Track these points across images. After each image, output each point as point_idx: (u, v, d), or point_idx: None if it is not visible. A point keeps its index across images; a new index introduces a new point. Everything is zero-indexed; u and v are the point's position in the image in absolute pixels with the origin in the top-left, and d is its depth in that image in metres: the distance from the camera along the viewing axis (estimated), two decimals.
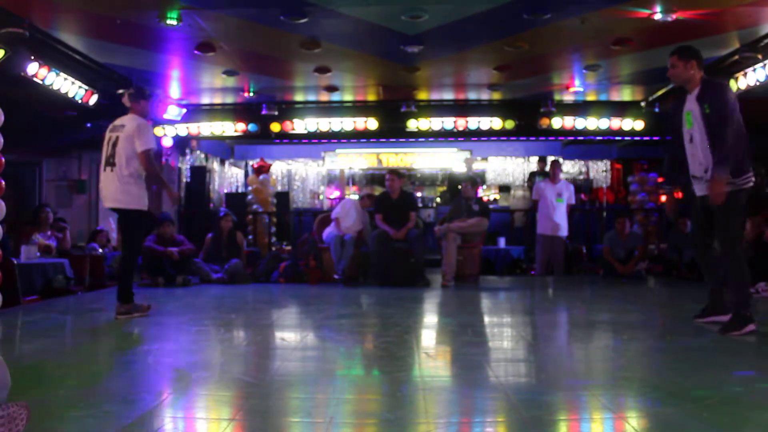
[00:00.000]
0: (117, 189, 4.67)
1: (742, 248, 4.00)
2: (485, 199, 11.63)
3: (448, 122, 9.31)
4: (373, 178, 13.00)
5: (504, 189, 12.54)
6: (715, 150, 3.82)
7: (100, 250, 7.96)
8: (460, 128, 9.31)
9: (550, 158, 9.65)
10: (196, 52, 6.76)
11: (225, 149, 12.07)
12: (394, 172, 7.95)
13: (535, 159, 11.70)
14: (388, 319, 4.77)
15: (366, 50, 7.04)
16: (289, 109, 9.36)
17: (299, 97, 9.23)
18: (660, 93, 8.66)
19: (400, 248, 7.45)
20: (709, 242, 4.03)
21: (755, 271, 6.26)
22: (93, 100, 7.47)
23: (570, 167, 12.66)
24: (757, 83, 6.78)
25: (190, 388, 2.72)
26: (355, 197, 9.49)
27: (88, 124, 8.79)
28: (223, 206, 10.27)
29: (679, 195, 4.44)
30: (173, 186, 9.93)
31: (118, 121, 4.86)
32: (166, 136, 9.44)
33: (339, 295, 6.46)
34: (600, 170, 12.91)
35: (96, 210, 10.66)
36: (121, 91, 7.73)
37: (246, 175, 12.62)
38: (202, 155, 11.23)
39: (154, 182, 4.83)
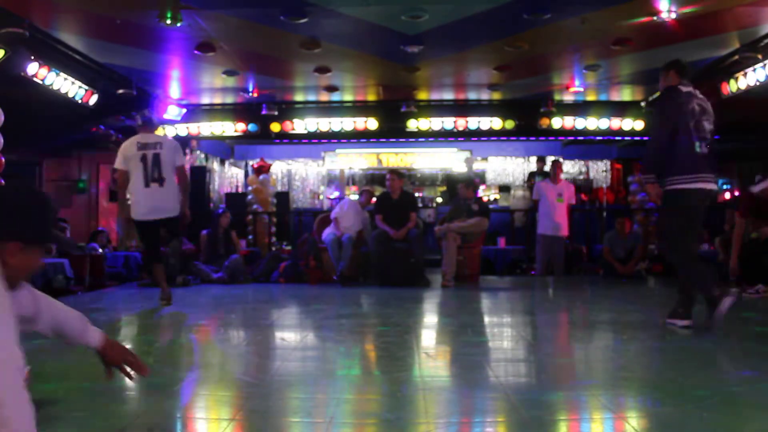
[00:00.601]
0: (172, 200, 5.31)
1: (685, 244, 4.10)
2: (485, 199, 11.63)
3: (448, 122, 9.32)
4: (373, 178, 12.98)
5: (504, 189, 12.53)
6: None
7: (100, 250, 7.96)
8: (460, 128, 9.31)
9: (551, 158, 9.64)
10: (196, 52, 6.76)
11: (225, 149, 12.06)
12: (395, 172, 7.95)
13: (534, 159, 11.70)
14: (388, 319, 4.77)
15: (366, 50, 7.04)
16: (289, 109, 9.37)
17: (299, 97, 9.23)
18: (660, 93, 8.65)
19: (400, 248, 7.45)
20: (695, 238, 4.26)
21: (756, 272, 6.27)
22: (93, 100, 7.47)
23: (570, 167, 12.66)
24: (757, 83, 6.79)
25: (190, 388, 2.72)
26: (355, 197, 9.50)
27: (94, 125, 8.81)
28: (222, 204, 10.25)
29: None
30: None
31: (146, 140, 5.35)
32: (166, 136, 9.44)
33: (339, 295, 6.46)
34: (600, 170, 12.91)
35: (96, 210, 10.66)
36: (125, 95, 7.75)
37: (246, 175, 12.61)
38: (202, 155, 11.22)
39: (184, 193, 5.46)
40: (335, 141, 11.13)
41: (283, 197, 11.52)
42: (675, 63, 4.38)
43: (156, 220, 5.34)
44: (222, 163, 12.16)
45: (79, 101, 7.27)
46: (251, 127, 9.43)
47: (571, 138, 10.78)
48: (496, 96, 9.11)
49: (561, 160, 9.40)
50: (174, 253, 6.84)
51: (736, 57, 6.77)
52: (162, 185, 5.25)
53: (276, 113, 9.24)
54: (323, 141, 11.07)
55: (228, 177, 12.44)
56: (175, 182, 5.34)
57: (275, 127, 9.38)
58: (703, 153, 4.02)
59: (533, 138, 10.53)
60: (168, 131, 9.41)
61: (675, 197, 4.02)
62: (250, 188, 11.36)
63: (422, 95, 9.13)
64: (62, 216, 8.69)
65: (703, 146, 4.04)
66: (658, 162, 4.06)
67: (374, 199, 8.23)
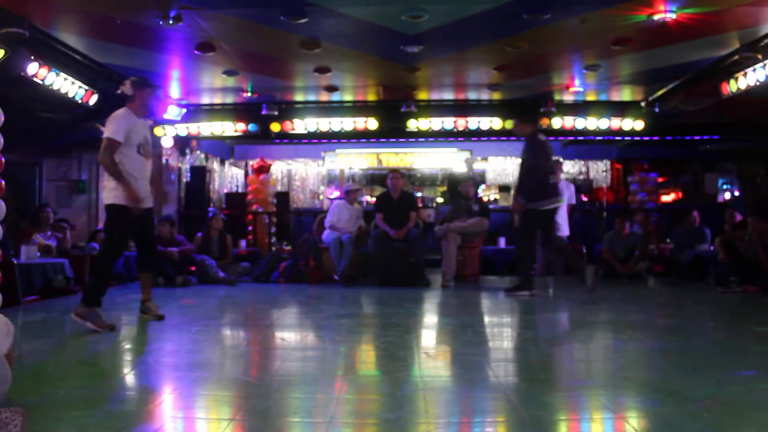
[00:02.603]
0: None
1: (533, 242, 6.34)
2: (485, 199, 11.63)
3: (448, 122, 9.30)
4: (373, 178, 12.99)
5: (504, 189, 12.53)
6: None
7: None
8: (460, 128, 9.30)
9: None
10: (196, 52, 6.75)
11: (225, 149, 12.07)
12: (398, 172, 7.98)
13: None
14: (388, 319, 4.77)
15: (366, 50, 7.04)
16: (289, 109, 9.36)
17: (299, 97, 9.23)
18: (660, 93, 8.66)
19: (400, 248, 7.45)
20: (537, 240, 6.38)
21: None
22: (93, 100, 7.47)
23: (570, 167, 12.66)
24: (757, 83, 6.78)
25: (190, 388, 2.72)
26: (339, 201, 9.48)
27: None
28: (211, 206, 10.21)
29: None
30: (172, 186, 9.94)
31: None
32: (166, 136, 9.44)
33: (339, 295, 6.46)
34: (600, 170, 12.91)
35: (96, 210, 10.66)
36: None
37: (246, 175, 12.62)
38: (202, 155, 11.22)
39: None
40: (335, 141, 11.13)
41: (283, 197, 11.53)
42: (530, 117, 6.72)
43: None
44: (222, 163, 12.16)
45: (79, 101, 7.27)
46: (251, 127, 9.42)
47: (571, 138, 10.77)
48: (496, 96, 9.10)
49: (561, 160, 9.40)
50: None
51: (736, 57, 6.75)
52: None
53: (276, 113, 9.23)
54: (323, 141, 11.07)
55: (228, 177, 12.45)
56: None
57: (275, 127, 9.37)
58: (552, 182, 6.19)
59: None
60: (168, 131, 9.41)
61: (537, 214, 6.04)
62: (250, 188, 11.37)
63: (422, 95, 9.12)
64: (62, 216, 8.67)
65: (552, 177, 6.19)
66: (533, 190, 6.01)
67: (374, 199, 8.25)
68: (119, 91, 4.66)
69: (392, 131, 9.58)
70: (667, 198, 12.64)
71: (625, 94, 9.11)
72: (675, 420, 2.12)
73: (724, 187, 12.70)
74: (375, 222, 7.80)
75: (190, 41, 6.49)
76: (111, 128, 4.39)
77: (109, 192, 4.38)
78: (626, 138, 10.09)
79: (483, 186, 12.43)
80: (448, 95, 9.25)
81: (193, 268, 7.84)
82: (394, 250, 7.44)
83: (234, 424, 2.14)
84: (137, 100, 4.58)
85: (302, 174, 13.26)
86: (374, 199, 9.42)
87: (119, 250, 4.62)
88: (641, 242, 8.49)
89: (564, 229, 8.47)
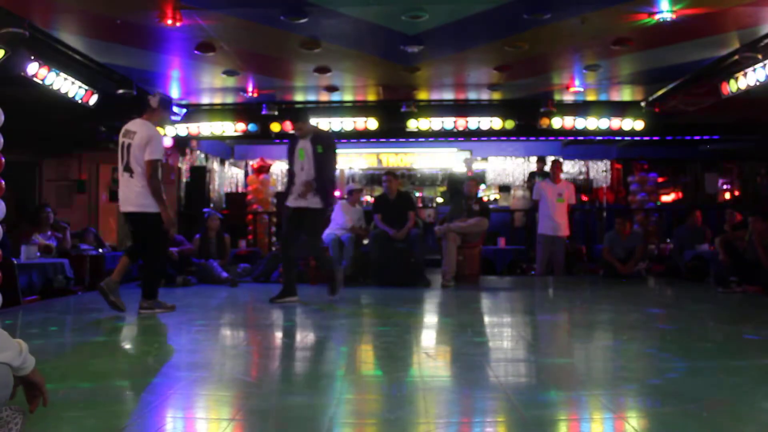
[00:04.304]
0: (138, 193, 4.84)
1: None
2: (485, 199, 11.63)
3: (448, 122, 9.30)
4: (373, 178, 12.98)
5: (504, 189, 12.53)
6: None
7: (101, 250, 7.94)
8: (460, 128, 9.30)
9: (551, 158, 9.64)
10: (196, 52, 6.75)
11: (225, 149, 12.07)
12: (392, 173, 7.99)
13: (534, 159, 11.71)
14: (388, 319, 4.77)
15: (366, 50, 7.04)
16: (289, 109, 9.36)
17: (299, 97, 9.23)
18: (660, 93, 8.66)
19: (400, 248, 7.45)
20: (294, 242, 5.89)
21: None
22: (93, 100, 7.47)
23: (570, 167, 12.66)
24: (757, 83, 6.78)
25: (190, 388, 2.72)
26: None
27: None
28: (206, 207, 10.17)
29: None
30: (172, 186, 9.93)
31: (131, 126, 4.94)
32: (166, 136, 9.44)
33: (339, 295, 6.45)
34: (600, 170, 12.91)
35: (96, 210, 10.66)
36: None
37: (246, 175, 12.62)
38: (202, 155, 11.22)
39: (153, 193, 4.85)
40: (335, 141, 11.12)
41: (283, 197, 11.50)
42: (304, 113, 6.21)
43: (125, 212, 5.00)
44: (222, 163, 12.16)
45: (79, 101, 7.27)
46: (251, 127, 9.42)
47: (571, 138, 10.77)
48: (496, 96, 9.10)
49: (561, 160, 9.40)
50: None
51: (736, 57, 6.75)
52: (131, 176, 4.86)
53: (276, 113, 9.24)
54: None
55: (228, 177, 12.45)
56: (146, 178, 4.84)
57: (275, 127, 9.37)
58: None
59: (533, 138, 10.53)
60: (168, 131, 9.41)
61: (321, 213, 5.92)
62: (250, 188, 11.36)
63: (422, 95, 9.12)
64: (62, 216, 8.66)
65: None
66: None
67: (372, 198, 8.25)
68: (148, 100, 5.05)
69: (392, 131, 9.58)
70: (667, 198, 12.64)
71: (625, 94, 9.11)
72: (675, 420, 2.12)
73: (724, 187, 12.70)
74: (374, 223, 7.80)
75: (190, 41, 6.49)
76: (158, 148, 4.87)
77: (149, 199, 4.87)
78: (626, 138, 10.10)
79: (483, 186, 12.43)
80: (448, 95, 9.26)
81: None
82: (394, 250, 7.44)
83: (234, 424, 2.14)
84: (157, 117, 5.01)
85: None
86: (373, 199, 9.41)
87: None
88: (641, 242, 8.49)
89: (564, 229, 8.48)
